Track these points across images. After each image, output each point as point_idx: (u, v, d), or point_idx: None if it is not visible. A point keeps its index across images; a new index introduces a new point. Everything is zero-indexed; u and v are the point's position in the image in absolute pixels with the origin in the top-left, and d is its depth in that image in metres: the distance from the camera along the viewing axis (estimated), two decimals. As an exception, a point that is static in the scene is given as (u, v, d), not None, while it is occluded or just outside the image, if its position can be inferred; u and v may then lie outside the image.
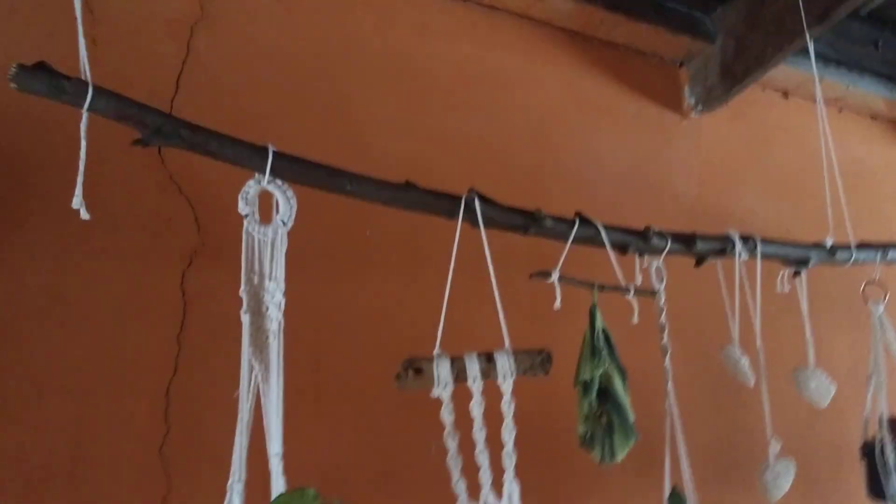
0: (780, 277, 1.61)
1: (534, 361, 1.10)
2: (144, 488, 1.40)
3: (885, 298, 1.71)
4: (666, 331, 1.38)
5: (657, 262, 1.39)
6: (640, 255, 1.41)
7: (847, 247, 1.66)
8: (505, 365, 1.09)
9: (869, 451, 1.66)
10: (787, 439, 2.11)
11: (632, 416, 1.24)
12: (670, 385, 1.37)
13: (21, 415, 1.32)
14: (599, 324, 1.24)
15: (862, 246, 1.69)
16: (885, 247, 1.72)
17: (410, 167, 1.24)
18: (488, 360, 1.09)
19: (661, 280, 1.39)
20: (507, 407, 1.08)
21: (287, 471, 0.98)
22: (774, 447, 1.47)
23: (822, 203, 1.78)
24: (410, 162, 1.73)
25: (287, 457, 0.99)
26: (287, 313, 1.03)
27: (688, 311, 1.91)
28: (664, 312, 1.39)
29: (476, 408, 1.07)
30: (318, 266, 1.58)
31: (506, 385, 1.09)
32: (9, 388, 1.32)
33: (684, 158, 2.19)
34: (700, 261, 1.49)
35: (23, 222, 1.37)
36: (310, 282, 1.54)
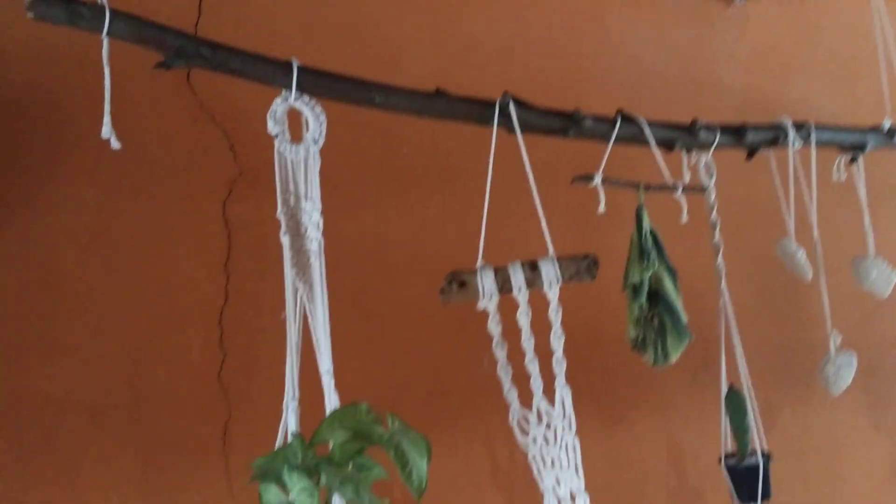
0: (836, 165, 1.54)
1: (579, 267, 1.08)
2: (206, 415, 1.43)
3: (950, 180, 1.63)
4: (718, 228, 1.34)
5: (706, 157, 1.34)
6: (688, 150, 1.35)
7: (907, 128, 1.58)
8: (550, 272, 1.06)
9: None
10: (848, 334, 2.06)
11: (684, 317, 1.21)
12: (724, 283, 1.33)
13: (79, 351, 1.35)
14: (647, 225, 1.20)
15: (924, 126, 1.60)
16: (949, 125, 1.63)
17: (441, 79, 1.19)
18: (532, 268, 1.07)
19: (711, 176, 1.34)
20: (555, 314, 1.07)
21: (339, 390, 0.99)
22: (835, 339, 1.43)
23: (878, 86, 1.69)
24: (441, 73, 1.67)
25: (338, 377, 1.00)
26: (328, 234, 1.02)
27: (740, 207, 1.84)
28: (715, 209, 1.34)
29: (523, 317, 1.06)
30: (356, 186, 1.56)
31: (552, 292, 1.07)
32: (62, 326, 1.35)
33: (730, 48, 2.08)
34: (752, 152, 1.43)
35: (59, 163, 1.37)
36: (349, 203, 1.52)
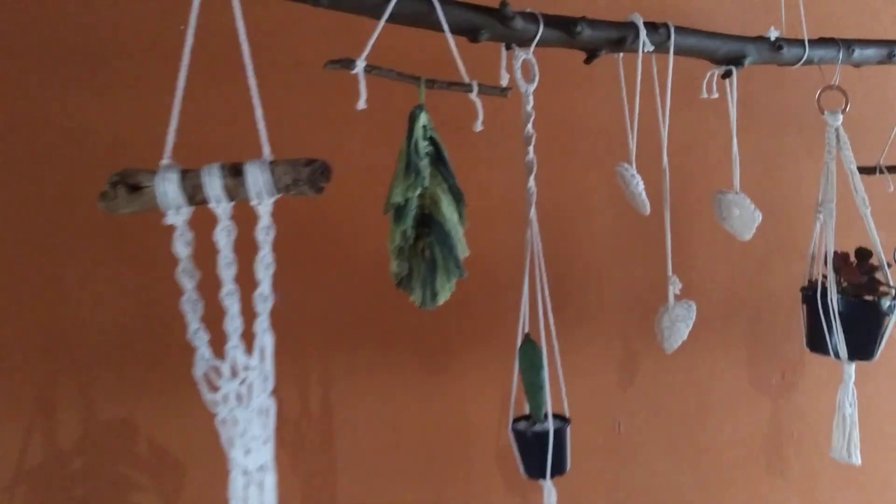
0: (706, 79, 1.29)
1: (299, 175, 0.80)
2: None
3: (844, 107, 1.38)
4: (532, 144, 1.08)
5: (525, 54, 1.07)
6: (507, 45, 1.09)
7: (799, 41, 1.32)
8: (258, 179, 0.80)
9: (810, 296, 1.39)
10: (736, 283, 1.85)
11: (462, 251, 0.96)
12: (533, 211, 1.08)
13: None
14: (421, 131, 0.94)
15: (819, 41, 1.35)
16: (848, 43, 1.38)
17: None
18: (235, 173, 0.80)
19: (532, 78, 1.08)
20: (265, 235, 0.81)
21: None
22: (674, 286, 1.20)
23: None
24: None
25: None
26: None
27: (584, 121, 1.60)
28: (532, 119, 1.08)
29: (222, 236, 0.80)
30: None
31: (262, 207, 0.81)
32: None
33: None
34: (591, 55, 1.16)
35: None
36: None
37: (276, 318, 1.30)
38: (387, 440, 1.46)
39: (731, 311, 1.84)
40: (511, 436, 1.08)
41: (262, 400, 0.80)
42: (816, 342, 1.37)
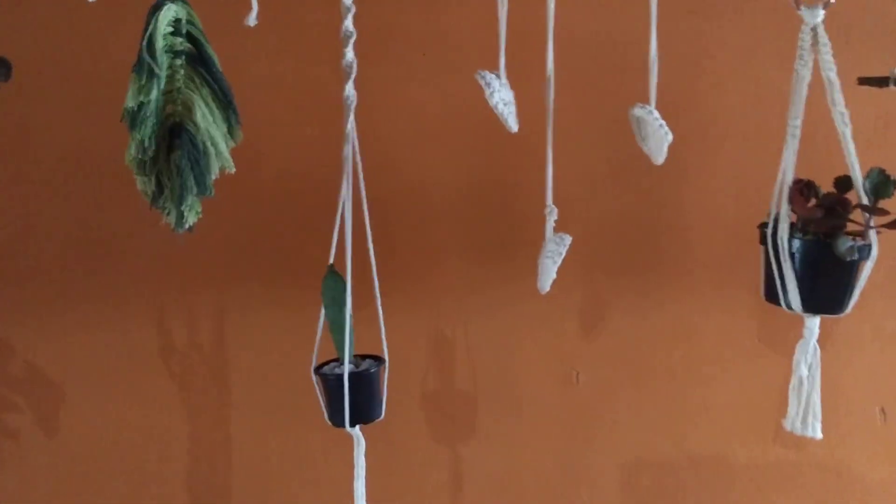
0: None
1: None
2: None
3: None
4: (351, 43, 0.91)
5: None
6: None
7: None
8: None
9: (765, 233, 1.14)
10: (744, 217, 1.58)
11: (225, 164, 0.84)
12: (351, 122, 0.92)
13: None
14: (167, 26, 0.81)
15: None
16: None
17: None
18: None
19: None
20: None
21: None
22: (551, 216, 1.00)
23: None
24: None
25: None
26: None
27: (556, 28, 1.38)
28: (351, 14, 0.91)
29: None
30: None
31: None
32: None
33: None
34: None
35: None
36: None
37: (161, 243, 1.23)
38: (287, 379, 1.36)
39: (735, 250, 1.56)
40: (314, 379, 0.95)
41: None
42: (769, 290, 1.12)
